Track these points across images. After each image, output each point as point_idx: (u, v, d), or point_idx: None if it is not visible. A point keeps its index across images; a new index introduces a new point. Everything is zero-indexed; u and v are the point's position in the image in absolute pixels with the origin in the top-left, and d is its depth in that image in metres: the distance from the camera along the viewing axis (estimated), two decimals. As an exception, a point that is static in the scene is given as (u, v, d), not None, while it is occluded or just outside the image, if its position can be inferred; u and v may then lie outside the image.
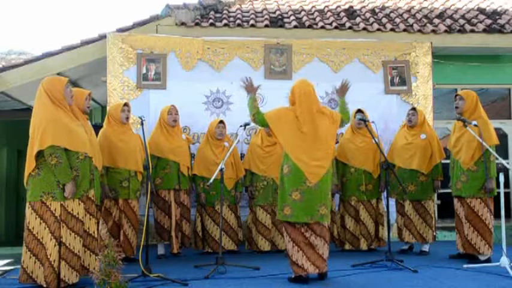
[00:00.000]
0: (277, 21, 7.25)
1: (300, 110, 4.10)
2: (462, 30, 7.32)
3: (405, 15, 7.82)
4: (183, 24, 6.91)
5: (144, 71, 6.01)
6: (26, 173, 3.86)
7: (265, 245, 5.57)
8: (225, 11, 7.64)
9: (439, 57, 7.22)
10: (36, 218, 3.80)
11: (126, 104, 5.12)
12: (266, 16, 7.42)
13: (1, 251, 7.05)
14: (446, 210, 6.48)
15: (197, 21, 7.00)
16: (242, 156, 5.93)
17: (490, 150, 4.76)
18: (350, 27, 7.19)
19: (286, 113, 4.16)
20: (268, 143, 5.60)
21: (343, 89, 4.47)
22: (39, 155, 3.80)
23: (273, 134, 4.30)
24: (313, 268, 4.01)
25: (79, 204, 3.91)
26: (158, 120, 5.52)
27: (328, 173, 4.12)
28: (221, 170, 4.61)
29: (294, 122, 4.09)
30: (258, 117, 4.22)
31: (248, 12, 7.71)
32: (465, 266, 4.69)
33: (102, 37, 6.47)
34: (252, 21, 7.12)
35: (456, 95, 5.15)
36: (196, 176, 5.57)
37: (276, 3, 8.43)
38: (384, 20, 7.58)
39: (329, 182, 4.15)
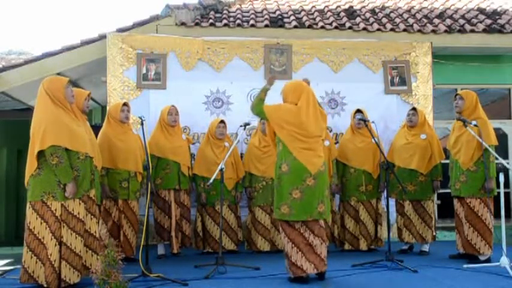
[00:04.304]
0: (277, 21, 7.24)
1: (303, 106, 4.12)
2: (462, 30, 7.32)
3: (405, 15, 7.82)
4: (183, 24, 6.90)
5: (144, 71, 6.01)
6: (28, 174, 3.86)
7: (264, 245, 5.57)
8: (225, 11, 7.63)
9: (439, 57, 7.22)
10: (36, 218, 3.81)
11: (125, 104, 5.12)
12: (266, 16, 7.42)
13: (1, 251, 7.04)
14: (446, 210, 6.48)
15: (197, 21, 7.00)
16: (242, 156, 5.93)
17: (490, 149, 4.76)
18: (350, 27, 7.18)
19: (286, 106, 4.20)
20: (266, 143, 5.59)
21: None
22: (40, 155, 3.81)
23: (270, 125, 4.34)
24: (312, 268, 4.01)
25: (80, 204, 3.92)
26: (158, 120, 5.52)
27: (324, 170, 4.15)
28: (221, 170, 4.62)
29: (294, 114, 4.11)
30: (258, 107, 4.23)
31: (248, 12, 7.71)
32: (465, 266, 4.69)
33: (102, 37, 6.46)
34: (252, 21, 7.12)
35: (456, 95, 5.15)
36: (197, 175, 5.57)
37: (276, 3, 8.43)
38: (384, 20, 7.57)
39: (326, 179, 4.18)
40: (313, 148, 4.11)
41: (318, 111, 4.22)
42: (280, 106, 4.24)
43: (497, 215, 4.67)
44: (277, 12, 7.71)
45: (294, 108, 4.14)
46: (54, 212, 3.80)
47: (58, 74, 6.53)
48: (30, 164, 3.85)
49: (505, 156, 7.57)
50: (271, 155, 5.47)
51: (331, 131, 6.18)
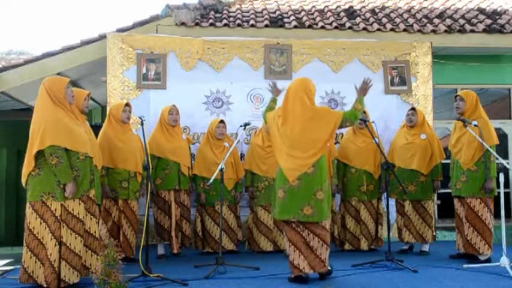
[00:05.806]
0: (277, 21, 7.24)
1: (282, 109, 4.17)
2: (462, 30, 7.31)
3: (405, 15, 7.82)
4: (183, 24, 6.90)
5: (144, 71, 6.01)
6: (25, 173, 3.86)
7: (267, 245, 5.56)
8: (225, 11, 7.63)
9: (439, 57, 7.22)
10: (36, 218, 3.81)
11: (127, 104, 5.12)
12: (266, 16, 7.42)
13: (1, 251, 7.05)
14: (446, 210, 6.47)
15: (197, 21, 6.99)
16: (242, 156, 5.93)
17: (490, 150, 4.76)
18: (350, 27, 7.18)
19: (274, 113, 4.29)
20: (269, 143, 5.57)
21: (364, 88, 4.31)
22: (40, 154, 3.81)
23: None
24: (308, 268, 4.01)
25: (79, 204, 3.92)
26: (159, 120, 5.52)
27: (314, 174, 4.02)
28: (221, 170, 4.62)
29: (276, 121, 4.18)
30: (264, 115, 4.51)
31: (248, 12, 7.71)
32: (465, 266, 4.69)
33: (102, 37, 6.46)
34: (252, 21, 7.12)
35: (456, 96, 5.15)
36: (197, 176, 5.57)
37: (276, 3, 8.43)
38: (384, 20, 7.57)
39: (317, 182, 4.03)
40: (295, 155, 4.04)
41: (303, 112, 4.07)
42: (272, 114, 4.31)
43: (497, 215, 4.67)
44: (277, 12, 7.71)
45: (277, 114, 4.21)
46: (53, 212, 3.80)
47: (58, 74, 6.53)
48: (28, 164, 3.85)
49: (505, 156, 7.57)
50: (273, 155, 5.45)
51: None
